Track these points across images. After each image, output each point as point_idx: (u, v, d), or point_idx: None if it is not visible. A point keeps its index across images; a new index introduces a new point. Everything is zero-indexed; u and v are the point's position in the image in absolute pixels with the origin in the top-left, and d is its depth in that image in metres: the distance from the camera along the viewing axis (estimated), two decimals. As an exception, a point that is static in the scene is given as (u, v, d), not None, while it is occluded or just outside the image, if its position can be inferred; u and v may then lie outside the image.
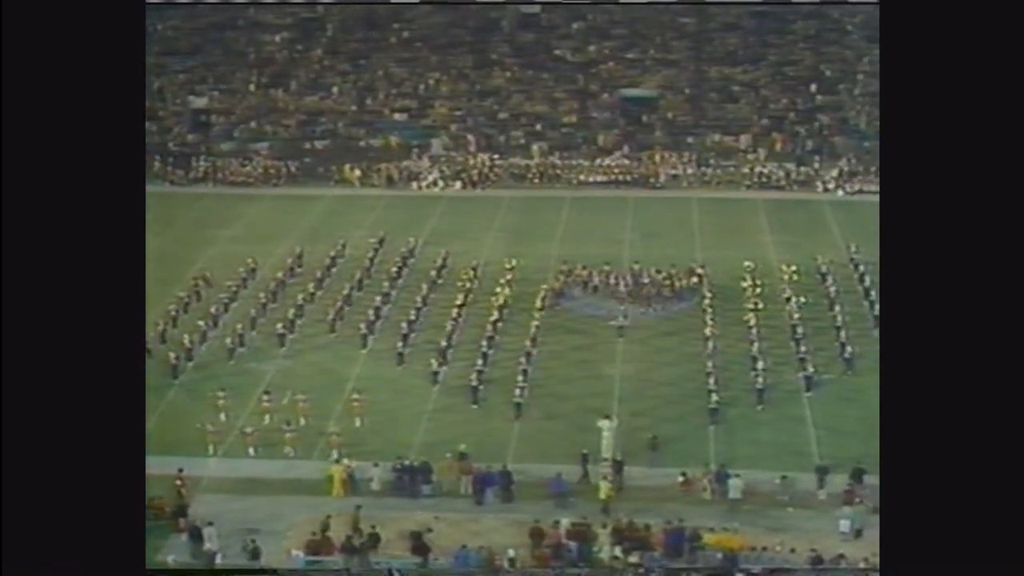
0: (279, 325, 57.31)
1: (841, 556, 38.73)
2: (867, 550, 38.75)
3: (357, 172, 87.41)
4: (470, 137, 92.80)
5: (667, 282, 63.17)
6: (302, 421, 48.35)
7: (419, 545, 39.32)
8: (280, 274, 64.58)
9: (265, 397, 49.84)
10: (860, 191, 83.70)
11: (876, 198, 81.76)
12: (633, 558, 38.99)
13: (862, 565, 37.89)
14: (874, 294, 60.81)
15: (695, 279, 63.35)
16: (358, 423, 48.68)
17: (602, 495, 42.46)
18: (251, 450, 46.61)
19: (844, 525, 41.01)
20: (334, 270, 66.24)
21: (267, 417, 48.70)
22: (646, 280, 63.05)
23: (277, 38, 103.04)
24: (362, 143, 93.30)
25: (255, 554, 38.88)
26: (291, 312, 58.93)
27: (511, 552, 38.45)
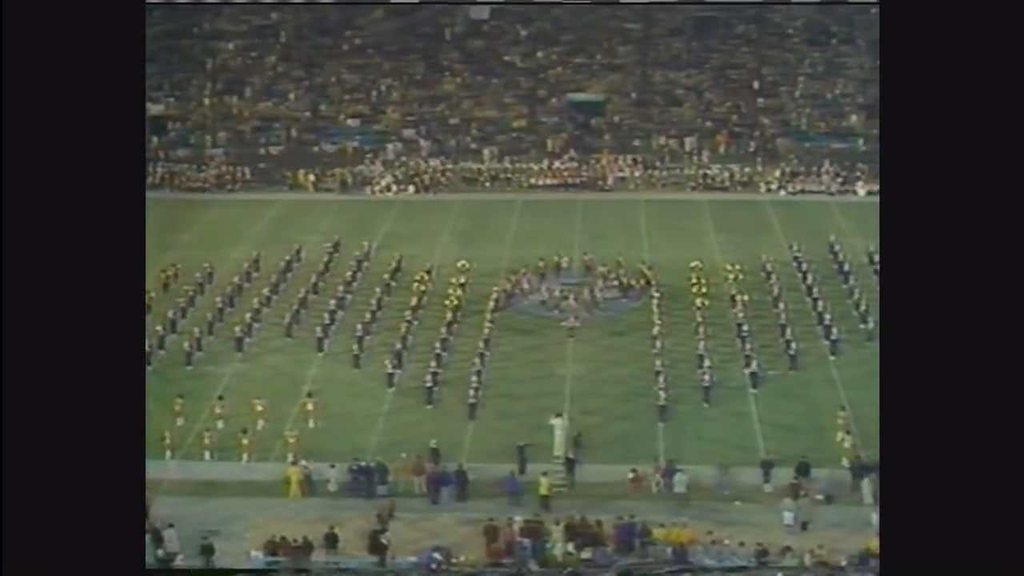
0: (236, 329, 57.95)
1: (787, 548, 39.31)
2: (813, 542, 39.72)
3: (311, 177, 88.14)
4: (422, 142, 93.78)
5: (614, 281, 64.35)
6: (260, 424, 49.00)
7: (376, 544, 39.92)
8: (236, 278, 65.22)
9: (219, 402, 50.28)
10: (802, 191, 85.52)
11: (816, 197, 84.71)
12: (586, 554, 39.57)
13: (808, 558, 38.64)
14: (817, 291, 62.36)
15: (643, 279, 64.59)
16: (314, 425, 49.35)
17: (543, 491, 43.26)
18: (207, 454, 47.13)
19: (788, 517, 41.83)
20: (290, 274, 67.01)
21: (220, 422, 49.10)
22: (598, 288, 63.70)
23: (231, 45, 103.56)
24: (316, 148, 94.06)
25: (208, 551, 39.51)
26: (248, 316, 59.50)
27: (438, 556, 38.85)
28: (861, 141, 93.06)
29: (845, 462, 45.52)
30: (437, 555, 38.83)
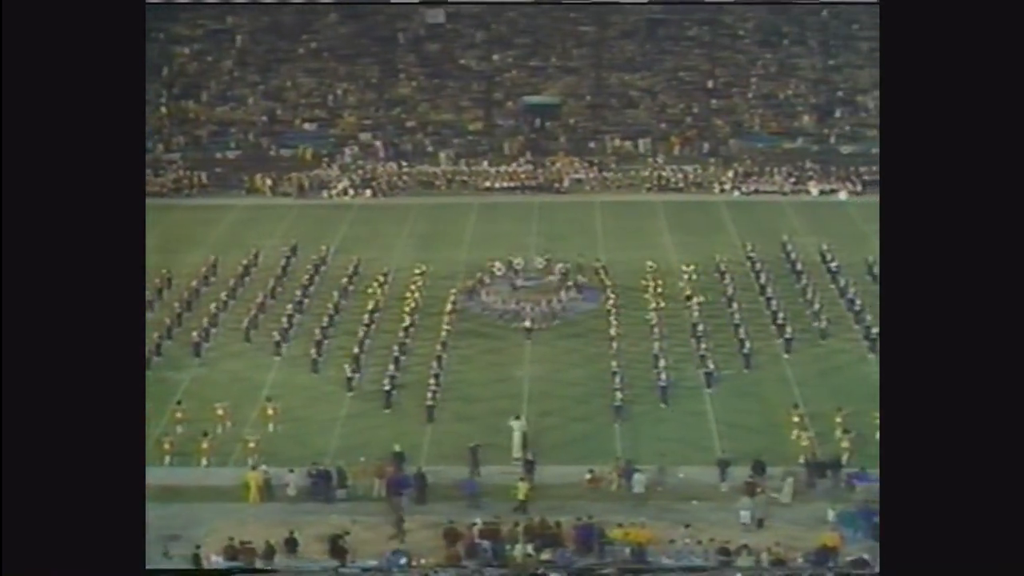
0: (194, 334, 57.90)
1: (744, 547, 39.58)
2: (770, 540, 40.10)
3: (268, 181, 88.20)
4: (378, 145, 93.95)
5: (569, 282, 64.75)
6: (219, 429, 49.04)
7: (337, 548, 40.09)
8: (194, 283, 65.19)
9: (179, 407, 50.33)
10: (755, 191, 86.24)
11: (769, 197, 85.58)
12: (545, 555, 39.75)
13: (765, 556, 39.05)
14: (771, 291, 63.05)
15: (599, 279, 65.17)
16: (273, 429, 49.44)
17: (520, 496, 43.32)
18: (167, 459, 47.01)
19: (744, 516, 42.23)
20: (247, 279, 67.01)
21: (179, 427, 49.19)
22: (556, 300, 63.43)
23: (187, 50, 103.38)
24: (272, 153, 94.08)
25: (197, 560, 39.53)
26: (205, 321, 59.53)
27: (403, 561, 39.15)
28: (801, 140, 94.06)
29: (801, 459, 46.02)
30: (403, 560, 39.06)
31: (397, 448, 46.14)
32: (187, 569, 39.17)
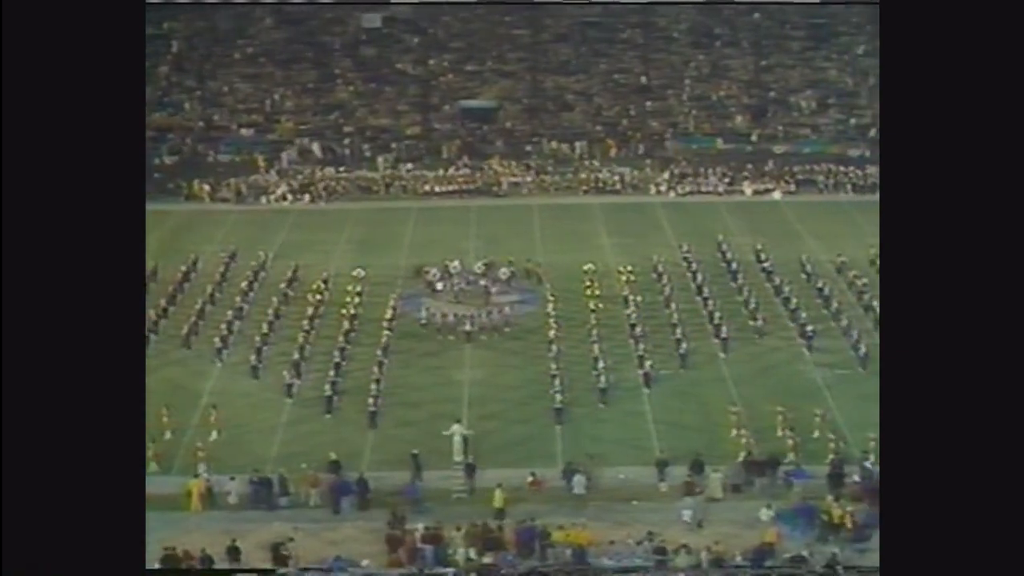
0: (133, 343, 57.58)
1: (684, 546, 39.66)
2: (710, 539, 40.30)
3: (206, 187, 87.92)
4: (316, 151, 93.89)
5: (496, 285, 65.21)
6: (167, 435, 48.80)
7: (278, 556, 39.94)
8: (132, 291, 64.82)
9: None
10: (691, 192, 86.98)
11: (704, 198, 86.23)
12: (487, 559, 39.87)
13: (704, 555, 39.24)
14: (707, 291, 63.62)
15: (536, 279, 65.88)
16: (214, 437, 49.28)
17: (497, 503, 43.16)
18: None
19: (686, 515, 42.43)
20: (186, 285, 66.86)
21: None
22: (497, 311, 62.96)
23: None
24: (210, 158, 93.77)
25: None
26: (145, 328, 59.24)
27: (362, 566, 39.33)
28: (726, 141, 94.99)
29: (740, 458, 46.40)
30: (363, 564, 39.18)
31: (333, 456, 46.05)
32: (187, 569, 39.00)
